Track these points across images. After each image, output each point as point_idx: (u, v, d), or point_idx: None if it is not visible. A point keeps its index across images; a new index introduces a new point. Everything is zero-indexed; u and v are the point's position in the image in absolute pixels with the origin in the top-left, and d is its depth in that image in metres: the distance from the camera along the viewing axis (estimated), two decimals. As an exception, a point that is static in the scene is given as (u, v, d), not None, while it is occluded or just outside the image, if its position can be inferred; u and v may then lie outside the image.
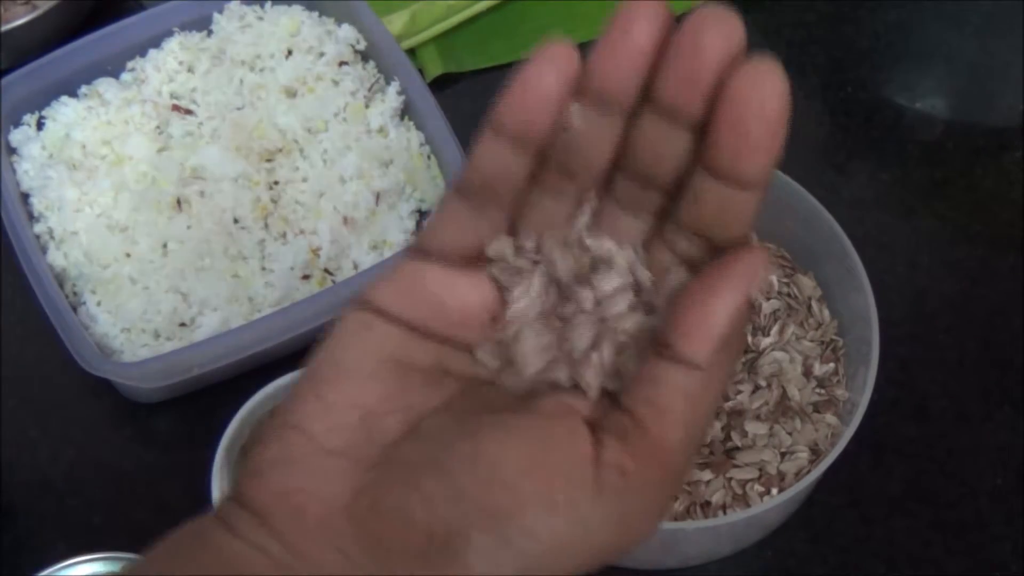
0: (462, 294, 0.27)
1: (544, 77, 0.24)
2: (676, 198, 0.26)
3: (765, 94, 0.25)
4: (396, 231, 0.60)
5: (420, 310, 0.26)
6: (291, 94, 0.64)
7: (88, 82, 0.64)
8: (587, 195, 0.27)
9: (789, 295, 0.55)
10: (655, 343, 0.25)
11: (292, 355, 0.53)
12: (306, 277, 0.58)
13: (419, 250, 0.27)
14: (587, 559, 0.24)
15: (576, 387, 0.26)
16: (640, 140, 0.25)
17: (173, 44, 0.65)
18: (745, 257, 0.25)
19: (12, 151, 0.63)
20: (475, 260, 0.27)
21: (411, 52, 0.69)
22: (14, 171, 0.62)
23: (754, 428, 0.50)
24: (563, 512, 0.23)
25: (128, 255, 0.58)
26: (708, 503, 0.49)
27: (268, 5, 0.67)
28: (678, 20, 0.23)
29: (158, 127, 0.62)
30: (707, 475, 0.49)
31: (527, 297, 0.27)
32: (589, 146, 0.26)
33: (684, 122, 0.24)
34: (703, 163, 0.24)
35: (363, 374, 0.26)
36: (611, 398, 0.26)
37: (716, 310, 0.24)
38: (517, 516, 0.23)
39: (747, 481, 0.49)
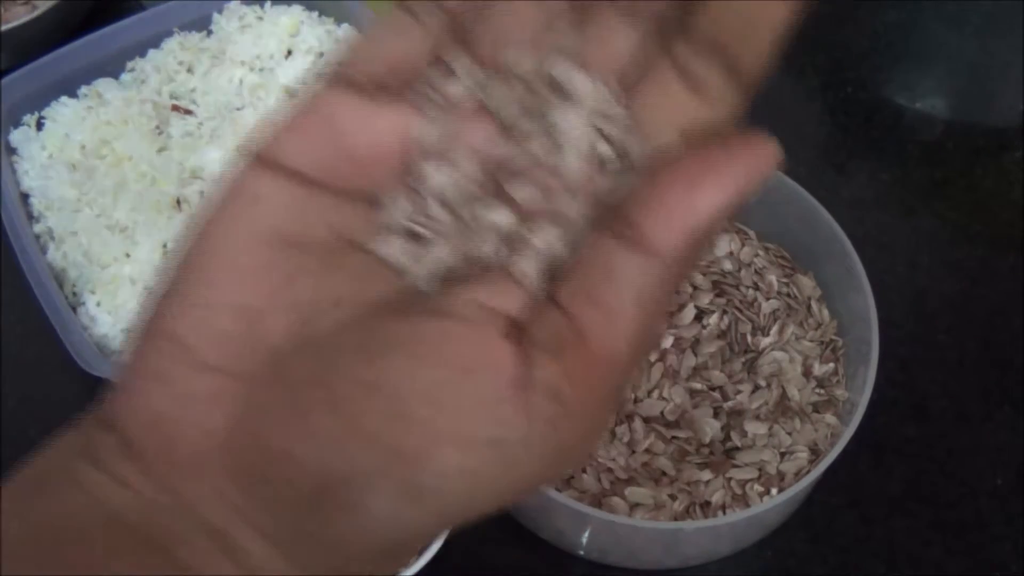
0: (377, 131, 0.22)
1: None
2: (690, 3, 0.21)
3: None
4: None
5: (325, 157, 0.22)
6: (291, 94, 0.64)
7: (88, 82, 0.64)
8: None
9: (789, 295, 0.55)
10: (613, 219, 0.20)
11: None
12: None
13: (339, 77, 0.22)
14: (511, 496, 0.21)
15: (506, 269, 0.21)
16: None
17: (173, 44, 0.65)
18: (757, 147, 0.21)
19: (12, 151, 0.63)
20: (405, 87, 0.22)
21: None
22: (14, 171, 0.62)
23: (754, 428, 0.50)
24: (484, 451, 0.19)
25: (128, 255, 0.58)
26: (708, 503, 0.49)
27: (268, 5, 0.67)
28: None
29: (158, 127, 0.62)
30: (707, 475, 0.49)
31: (445, 134, 0.22)
32: None
33: None
34: None
35: (246, 262, 0.21)
36: (546, 289, 0.21)
37: (705, 195, 0.20)
38: (428, 458, 0.19)
39: (747, 481, 0.49)
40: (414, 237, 0.22)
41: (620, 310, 0.20)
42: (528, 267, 0.21)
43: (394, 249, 0.22)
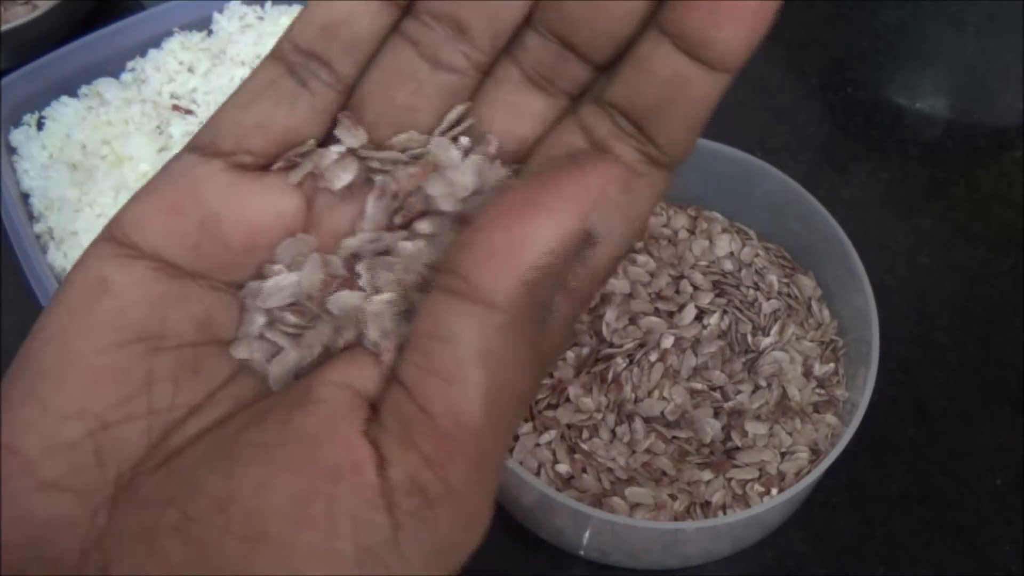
0: (250, 209, 0.19)
1: None
2: (609, 71, 0.19)
3: None
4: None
5: (189, 237, 0.19)
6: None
7: (88, 82, 0.64)
8: (480, 63, 0.19)
9: (789, 295, 0.55)
10: (447, 275, 0.18)
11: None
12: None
13: (202, 146, 0.20)
14: None
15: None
16: None
17: (173, 44, 0.65)
18: (594, 168, 0.18)
19: (12, 151, 0.63)
20: (281, 159, 0.20)
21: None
22: (14, 171, 0.62)
23: (754, 428, 0.50)
24: (355, 565, 0.17)
25: (128, 255, 0.58)
26: (708, 503, 0.49)
27: (268, 5, 0.67)
28: None
29: (158, 127, 0.62)
30: (707, 475, 0.49)
31: (313, 221, 0.19)
32: None
33: None
34: (662, 24, 0.18)
35: (97, 364, 0.18)
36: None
37: (533, 231, 0.17)
38: None
39: (747, 481, 0.49)
40: (273, 337, 0.20)
41: (460, 373, 0.17)
42: (376, 334, 0.19)
43: (252, 350, 0.20)
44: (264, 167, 0.20)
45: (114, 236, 0.19)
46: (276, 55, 0.20)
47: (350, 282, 0.20)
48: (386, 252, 0.20)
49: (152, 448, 0.18)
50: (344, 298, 0.19)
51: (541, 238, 0.17)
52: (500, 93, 0.20)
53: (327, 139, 0.20)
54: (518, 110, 0.20)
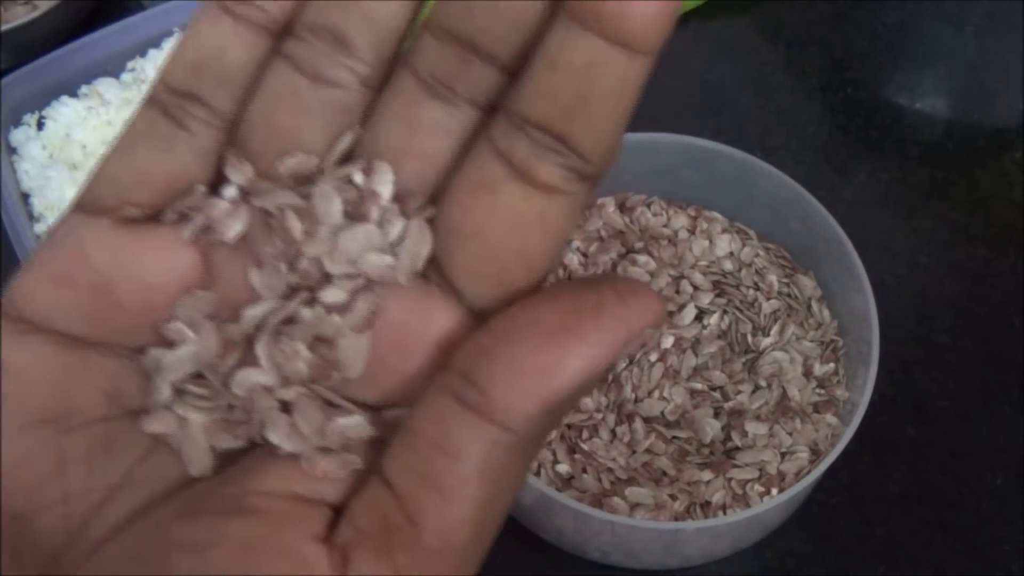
0: (142, 268, 0.18)
1: None
2: (518, 78, 0.17)
3: None
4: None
5: (81, 304, 0.18)
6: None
7: (88, 82, 0.64)
8: (367, 76, 0.18)
9: (789, 295, 0.55)
10: (460, 381, 0.16)
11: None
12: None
13: (86, 204, 0.18)
14: None
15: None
16: None
17: (173, 44, 0.65)
18: (635, 301, 0.17)
19: (12, 151, 0.63)
20: (169, 209, 0.18)
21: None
22: (14, 171, 0.62)
23: (754, 428, 0.50)
24: None
25: (128, 255, 0.58)
26: (708, 503, 0.49)
27: (268, 5, 0.67)
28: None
29: (158, 127, 0.62)
30: (707, 475, 0.49)
31: (211, 277, 0.18)
32: None
33: None
34: (569, 6, 0.16)
35: (4, 453, 0.17)
36: (375, 449, 0.17)
37: (566, 360, 0.16)
38: None
39: (747, 481, 0.49)
40: (183, 412, 0.18)
41: (460, 490, 0.16)
42: (289, 446, 0.17)
43: (165, 424, 0.18)
44: (153, 219, 0.18)
45: (7, 312, 0.18)
46: (150, 100, 0.18)
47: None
48: (293, 320, 0.18)
49: (73, 536, 0.17)
50: (249, 378, 0.18)
51: (573, 368, 0.16)
52: (396, 106, 0.18)
53: (219, 179, 0.19)
54: (416, 124, 0.18)
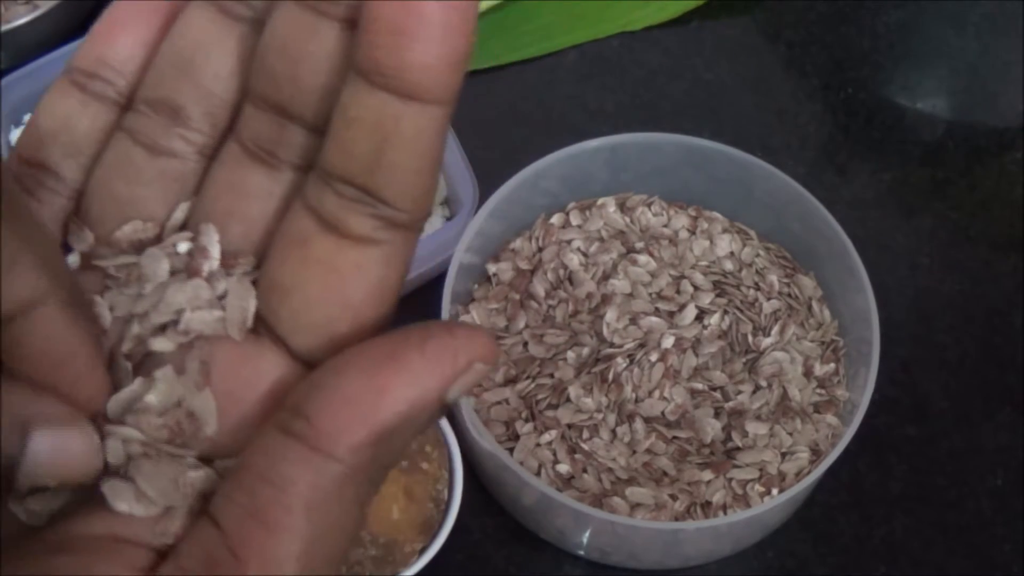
0: None
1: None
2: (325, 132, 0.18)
3: None
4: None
5: None
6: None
7: (89, 82, 0.64)
8: (203, 145, 0.19)
9: (790, 295, 0.55)
10: (289, 414, 0.17)
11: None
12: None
13: None
14: None
15: None
16: (272, 42, 0.17)
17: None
18: (464, 336, 0.17)
19: (12, 151, 0.63)
20: None
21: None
22: (15, 171, 0.62)
23: (754, 428, 0.50)
24: None
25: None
26: (708, 503, 0.49)
27: (268, 5, 0.67)
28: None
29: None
30: (707, 475, 0.49)
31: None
32: (204, 63, 0.18)
33: (332, 6, 0.17)
34: (354, 62, 0.16)
35: None
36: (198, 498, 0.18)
37: (392, 386, 0.16)
38: None
39: (747, 481, 0.49)
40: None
41: (285, 522, 0.16)
42: (126, 507, 0.17)
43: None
44: None
45: None
46: (5, 169, 0.19)
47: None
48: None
49: None
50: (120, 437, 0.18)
51: (398, 396, 0.16)
52: (223, 173, 0.19)
53: (66, 246, 0.20)
54: (241, 189, 0.19)
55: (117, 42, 0.19)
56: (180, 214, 0.19)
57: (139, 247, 0.19)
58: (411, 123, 0.16)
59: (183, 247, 0.19)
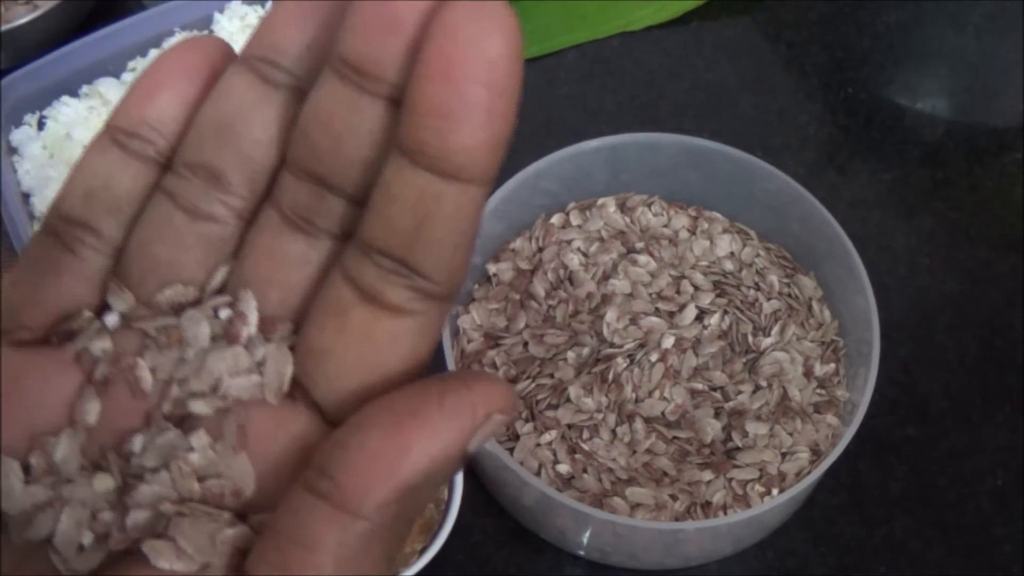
0: (26, 386, 0.19)
1: (182, 57, 0.19)
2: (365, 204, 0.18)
3: (482, 31, 0.16)
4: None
5: None
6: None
7: (89, 82, 0.64)
8: (241, 210, 0.19)
9: (790, 295, 0.55)
10: (315, 474, 0.17)
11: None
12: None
13: None
14: None
15: None
16: (315, 115, 0.18)
17: (174, 44, 0.65)
18: (481, 387, 0.18)
19: (13, 151, 0.63)
20: (53, 332, 0.19)
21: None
22: (15, 171, 0.62)
23: (755, 428, 0.50)
24: None
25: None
26: (709, 503, 0.49)
27: (269, 5, 0.67)
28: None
29: (159, 127, 0.62)
30: (708, 475, 0.49)
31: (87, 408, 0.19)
32: (244, 129, 0.19)
33: (376, 84, 0.17)
34: (398, 141, 0.17)
35: None
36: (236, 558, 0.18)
37: (414, 443, 0.17)
38: None
39: (748, 481, 0.49)
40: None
41: None
42: (168, 564, 0.18)
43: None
44: (44, 340, 0.19)
45: None
46: (45, 228, 0.20)
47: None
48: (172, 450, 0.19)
49: None
50: (100, 483, 0.19)
51: (422, 452, 0.17)
52: (262, 239, 0.19)
53: (104, 304, 0.20)
54: (280, 256, 0.19)
55: (158, 101, 0.19)
56: (219, 277, 0.20)
57: (178, 309, 0.20)
58: (451, 201, 0.17)
59: (224, 313, 0.19)
